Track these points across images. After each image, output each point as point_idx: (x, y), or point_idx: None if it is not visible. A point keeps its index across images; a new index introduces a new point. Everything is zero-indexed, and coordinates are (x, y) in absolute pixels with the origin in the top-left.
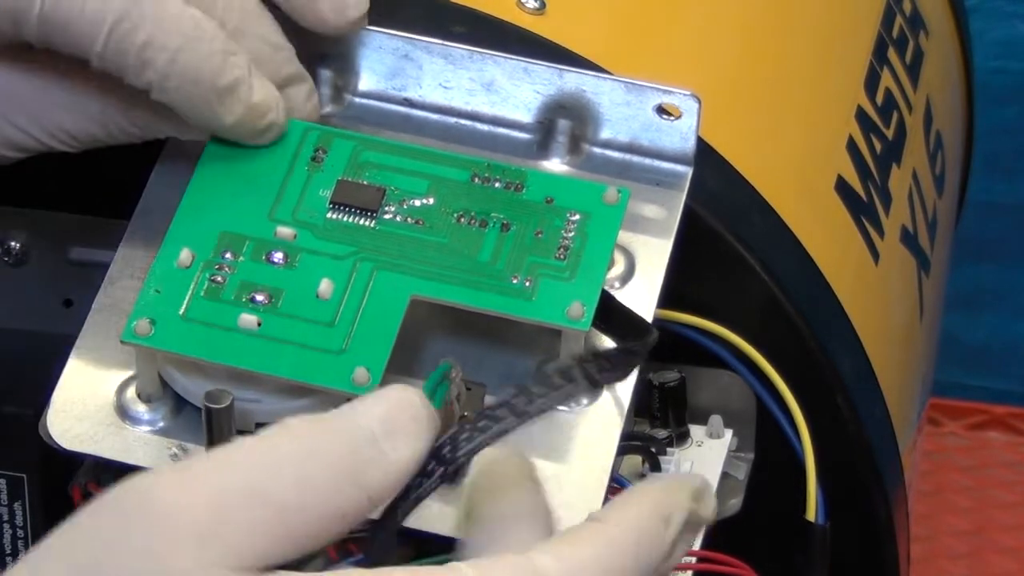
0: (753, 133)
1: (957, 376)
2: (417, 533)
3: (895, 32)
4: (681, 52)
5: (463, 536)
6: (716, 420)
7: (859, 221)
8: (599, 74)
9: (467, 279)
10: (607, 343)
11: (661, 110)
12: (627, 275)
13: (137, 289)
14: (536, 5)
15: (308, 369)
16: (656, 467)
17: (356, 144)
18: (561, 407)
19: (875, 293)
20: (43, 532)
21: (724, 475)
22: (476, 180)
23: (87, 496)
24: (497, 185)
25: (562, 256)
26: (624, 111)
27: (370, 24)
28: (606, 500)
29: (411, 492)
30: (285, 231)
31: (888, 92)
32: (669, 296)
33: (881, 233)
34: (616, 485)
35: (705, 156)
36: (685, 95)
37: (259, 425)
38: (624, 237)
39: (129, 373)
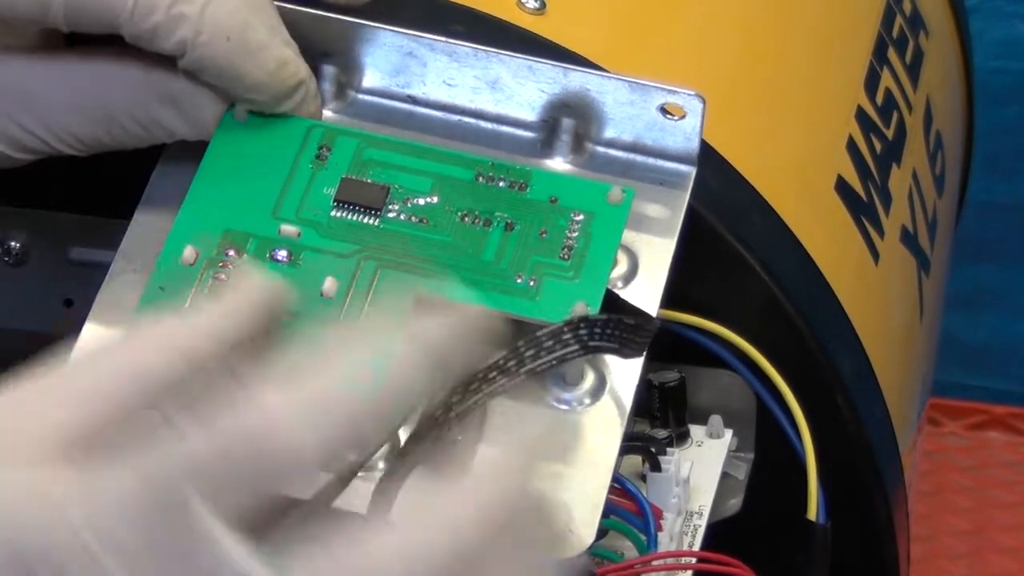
0: (753, 133)
1: (957, 376)
2: None
3: (895, 32)
4: (681, 52)
5: None
6: (716, 420)
7: (859, 221)
8: (604, 73)
9: (471, 278)
10: None
11: (665, 110)
12: (630, 275)
13: (139, 286)
14: (536, 5)
15: None
16: (656, 467)
17: (360, 142)
18: (559, 404)
19: (875, 293)
20: None
21: (724, 475)
22: (480, 179)
23: None
24: (501, 184)
25: (566, 256)
26: (628, 110)
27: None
28: (607, 500)
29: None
30: (289, 229)
31: (888, 92)
32: (670, 296)
33: (881, 233)
34: (616, 485)
35: (705, 156)
36: (690, 95)
37: None
38: (627, 236)
39: None
